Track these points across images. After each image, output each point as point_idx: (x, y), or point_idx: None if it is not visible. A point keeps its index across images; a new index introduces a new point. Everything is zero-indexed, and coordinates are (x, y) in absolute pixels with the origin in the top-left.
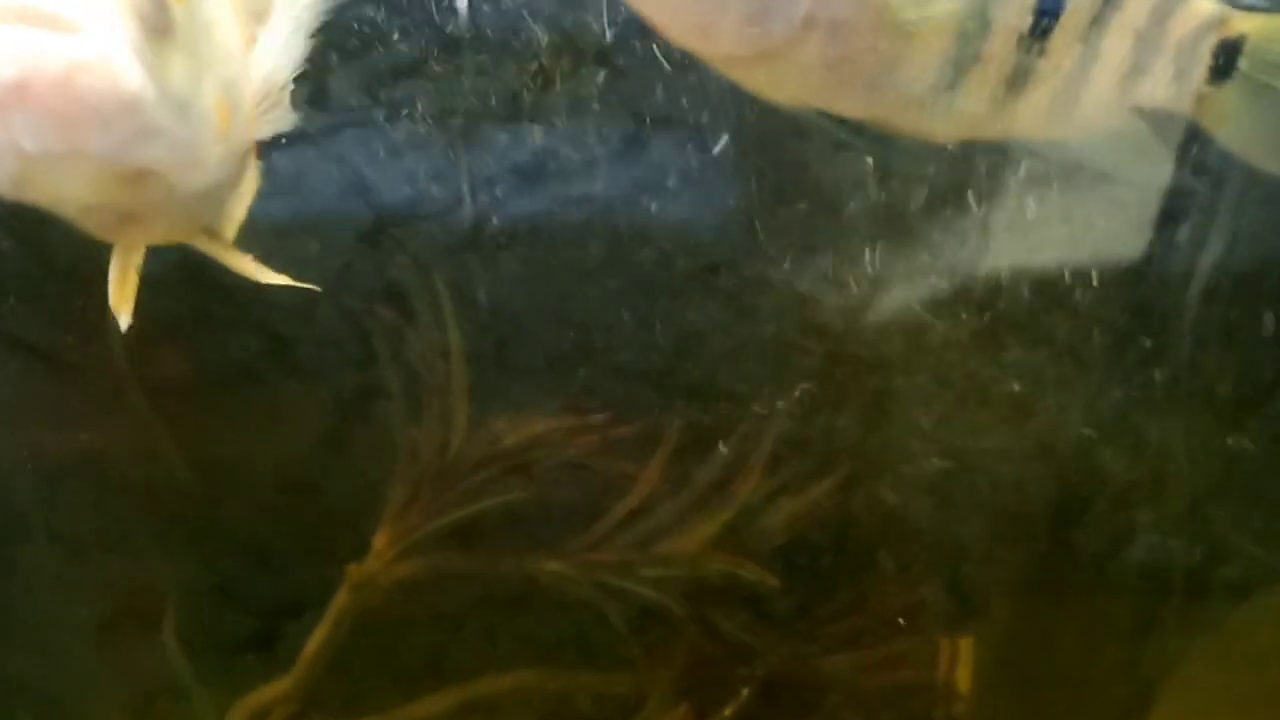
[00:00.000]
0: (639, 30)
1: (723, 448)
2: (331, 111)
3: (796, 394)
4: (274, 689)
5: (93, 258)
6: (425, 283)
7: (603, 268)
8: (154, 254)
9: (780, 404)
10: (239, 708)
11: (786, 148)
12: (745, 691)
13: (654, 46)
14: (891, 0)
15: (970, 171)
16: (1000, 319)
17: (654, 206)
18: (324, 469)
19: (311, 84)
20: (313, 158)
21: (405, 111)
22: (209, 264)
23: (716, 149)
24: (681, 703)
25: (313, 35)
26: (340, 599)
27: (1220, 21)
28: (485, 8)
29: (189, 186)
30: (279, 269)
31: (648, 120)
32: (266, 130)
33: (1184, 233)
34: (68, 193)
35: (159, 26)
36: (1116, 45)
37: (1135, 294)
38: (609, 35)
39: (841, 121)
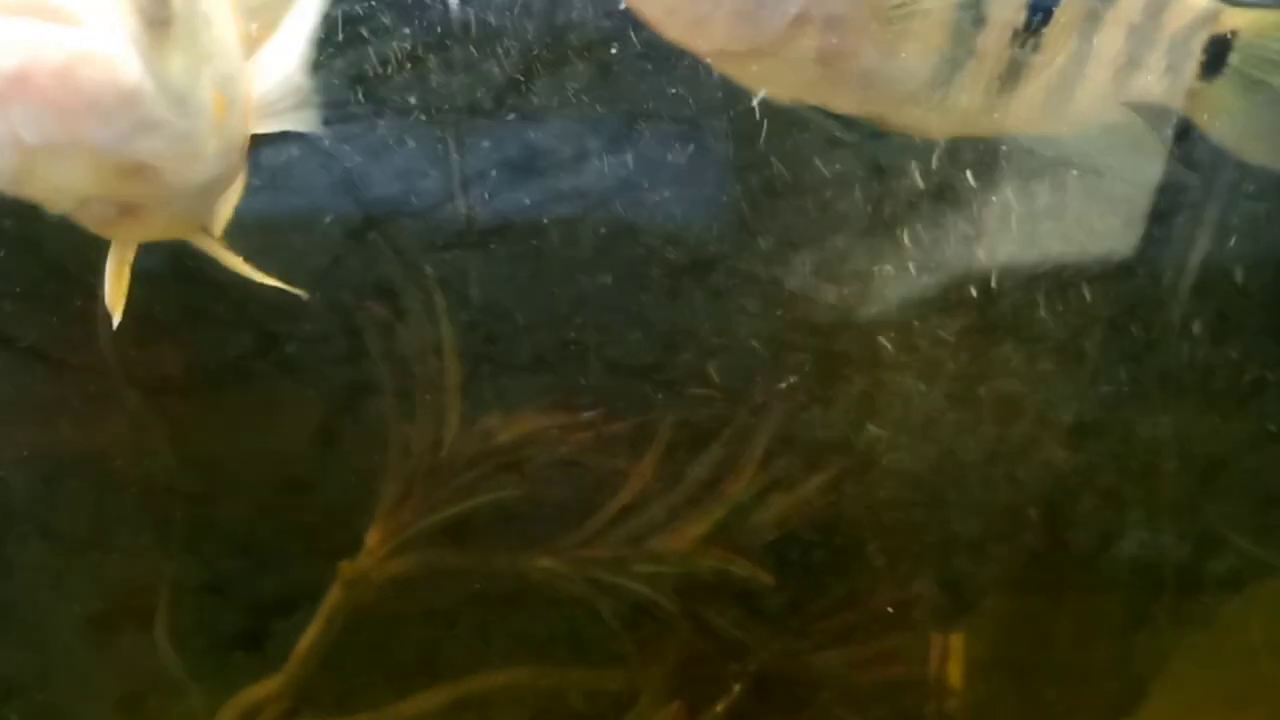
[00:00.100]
0: (630, 24)
1: (714, 444)
2: (320, 107)
3: (788, 390)
4: (266, 686)
5: (84, 255)
6: (417, 279)
7: (593, 263)
8: (144, 251)
9: (772, 400)
10: (231, 705)
11: (778, 143)
12: (737, 687)
13: (645, 41)
14: None
15: (963, 167)
16: (991, 315)
17: (645, 202)
18: (316, 466)
19: None
20: (301, 154)
21: (394, 107)
22: (200, 261)
23: (707, 144)
24: (674, 699)
25: None
26: (332, 596)
27: (1212, 17)
28: (474, 2)
29: (187, 179)
30: (268, 265)
31: (638, 116)
32: (276, 126)
33: (1176, 227)
34: (67, 185)
35: (158, 19)
36: (1111, 40)
37: (1127, 288)
38: (599, 30)
39: (835, 117)
